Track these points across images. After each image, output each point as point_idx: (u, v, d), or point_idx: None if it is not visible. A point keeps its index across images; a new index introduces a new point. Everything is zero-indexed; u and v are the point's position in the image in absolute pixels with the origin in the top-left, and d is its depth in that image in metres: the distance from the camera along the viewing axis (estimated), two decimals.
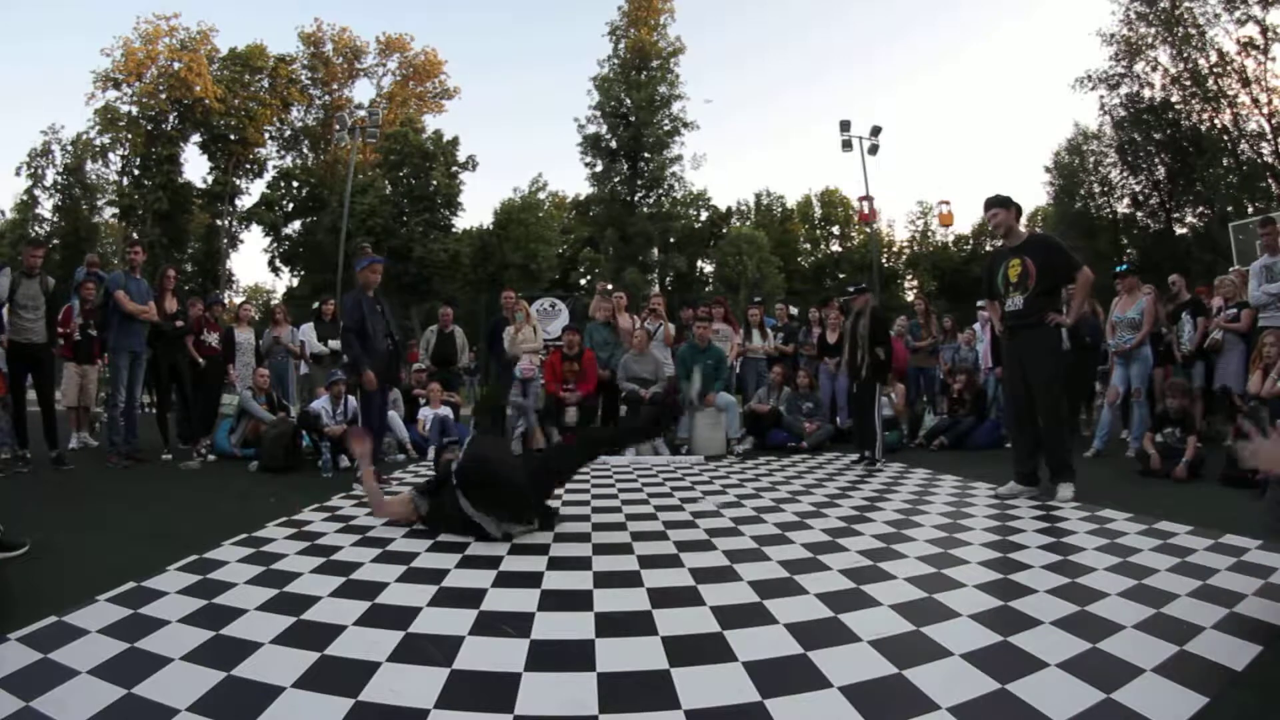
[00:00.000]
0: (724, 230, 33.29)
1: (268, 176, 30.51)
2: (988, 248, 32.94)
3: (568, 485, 4.61)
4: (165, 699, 1.55)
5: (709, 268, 33.23)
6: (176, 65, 27.28)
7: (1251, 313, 5.63)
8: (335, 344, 7.87)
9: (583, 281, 29.43)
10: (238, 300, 28.17)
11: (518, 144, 56.95)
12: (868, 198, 20.64)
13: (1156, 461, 4.62)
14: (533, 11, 50.14)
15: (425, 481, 3.37)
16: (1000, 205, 4.10)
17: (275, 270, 30.73)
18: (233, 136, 28.94)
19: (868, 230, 24.84)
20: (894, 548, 2.85)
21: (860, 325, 5.61)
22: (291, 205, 29.78)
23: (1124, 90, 23.29)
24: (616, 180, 26.72)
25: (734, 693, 1.59)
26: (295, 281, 30.05)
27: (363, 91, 31.93)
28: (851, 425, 6.56)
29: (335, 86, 31.21)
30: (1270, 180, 20.18)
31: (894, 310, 15.01)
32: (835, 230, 36.62)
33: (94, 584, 2.33)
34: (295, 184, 29.94)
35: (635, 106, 25.55)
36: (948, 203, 26.83)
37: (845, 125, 20.89)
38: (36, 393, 5.36)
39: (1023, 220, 4.22)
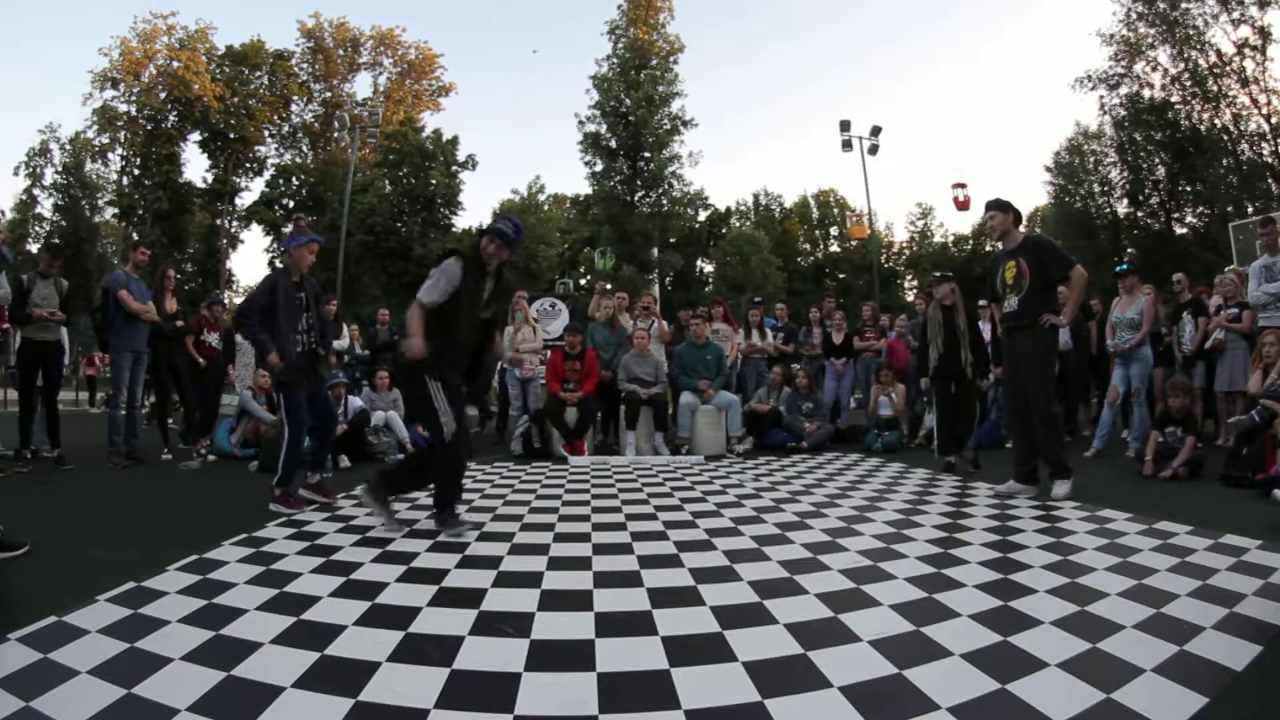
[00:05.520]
0: (723, 230, 33.26)
1: (267, 174, 30.51)
2: (987, 248, 33.02)
3: (568, 485, 4.62)
4: (165, 699, 1.55)
5: (709, 267, 33.19)
6: (175, 64, 27.25)
7: (1253, 313, 5.63)
8: (340, 343, 7.88)
9: (583, 281, 29.40)
10: (238, 300, 28.18)
11: (517, 144, 57.03)
12: (863, 213, 20.63)
13: (1154, 464, 4.62)
14: (532, 12, 50.21)
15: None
16: (998, 208, 4.15)
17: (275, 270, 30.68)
18: (232, 135, 28.89)
19: (868, 234, 24.52)
20: (894, 548, 2.85)
21: (959, 319, 5.16)
22: (291, 204, 29.73)
23: (1124, 90, 23.29)
24: (616, 179, 26.69)
25: (734, 693, 1.59)
26: None
27: (362, 87, 31.94)
28: (936, 431, 5.54)
29: (335, 82, 31.15)
30: (1270, 180, 20.17)
31: (895, 310, 14.99)
32: (834, 231, 36.69)
33: (94, 584, 2.33)
34: (295, 182, 29.89)
35: (634, 105, 25.52)
36: (964, 185, 22.92)
37: (845, 125, 20.98)
38: (44, 391, 5.40)
39: (1022, 223, 4.25)
